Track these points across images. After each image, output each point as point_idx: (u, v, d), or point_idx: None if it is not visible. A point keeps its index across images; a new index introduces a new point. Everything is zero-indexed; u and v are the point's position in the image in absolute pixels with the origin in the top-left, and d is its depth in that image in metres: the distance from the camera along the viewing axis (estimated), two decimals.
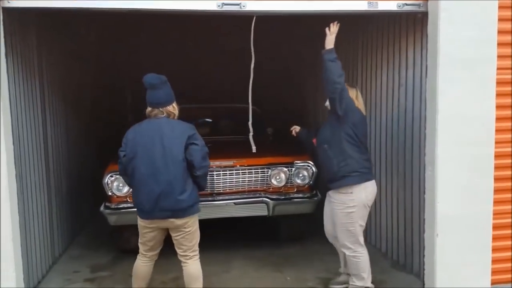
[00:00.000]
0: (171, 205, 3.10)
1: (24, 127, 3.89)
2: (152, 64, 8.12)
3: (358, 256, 3.52)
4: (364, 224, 3.52)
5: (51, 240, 4.53)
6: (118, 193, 4.35)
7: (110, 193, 4.35)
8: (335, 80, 3.32)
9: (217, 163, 4.44)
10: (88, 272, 4.39)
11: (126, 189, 4.33)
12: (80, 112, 5.84)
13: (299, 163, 4.58)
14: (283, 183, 4.56)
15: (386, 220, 4.56)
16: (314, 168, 4.58)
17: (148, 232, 3.28)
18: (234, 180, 4.47)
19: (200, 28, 7.48)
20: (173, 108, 3.18)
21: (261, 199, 4.44)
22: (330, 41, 3.37)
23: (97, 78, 6.88)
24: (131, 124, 3.36)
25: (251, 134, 3.87)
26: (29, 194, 3.93)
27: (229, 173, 4.46)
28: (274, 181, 4.54)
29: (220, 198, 4.42)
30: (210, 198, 4.40)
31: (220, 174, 4.44)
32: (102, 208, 4.34)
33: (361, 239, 3.51)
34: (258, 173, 4.51)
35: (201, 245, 5.04)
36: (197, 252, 3.38)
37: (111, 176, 4.33)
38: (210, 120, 6.18)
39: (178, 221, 3.18)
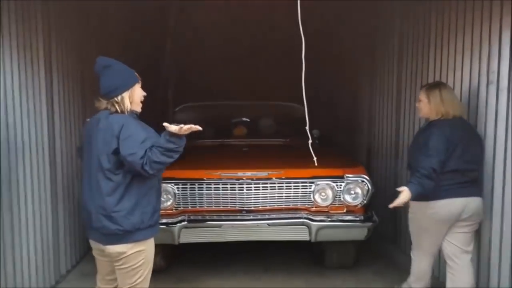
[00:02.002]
0: (100, 227, 2.44)
1: (19, 112, 3.28)
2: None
3: (414, 259, 3.33)
4: (431, 239, 3.17)
5: (56, 254, 3.90)
6: None
7: None
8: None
9: (249, 173, 3.63)
10: None
11: None
12: None
13: (350, 177, 3.67)
14: (329, 202, 3.66)
15: None
16: (369, 185, 3.66)
17: (95, 255, 2.62)
18: (268, 195, 3.63)
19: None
20: (121, 99, 2.46)
21: (301, 220, 3.59)
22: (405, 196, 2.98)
23: (126, 47, 6.09)
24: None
25: (310, 141, 3.05)
26: (21, 200, 3.33)
27: (262, 186, 3.62)
28: (318, 199, 3.66)
29: (251, 217, 3.60)
30: (238, 216, 3.60)
31: (251, 187, 3.61)
32: None
33: (425, 252, 3.23)
34: (299, 188, 3.64)
35: (227, 266, 4.36)
36: None
37: None
38: (248, 120, 5.38)
39: (110, 249, 2.45)
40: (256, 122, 5.30)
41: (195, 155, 4.28)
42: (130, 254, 2.45)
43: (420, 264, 3.29)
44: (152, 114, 6.71)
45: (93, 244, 2.56)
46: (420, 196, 2.97)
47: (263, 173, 3.64)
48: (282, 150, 4.58)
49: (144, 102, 2.64)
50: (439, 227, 3.11)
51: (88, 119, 2.67)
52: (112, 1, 5.17)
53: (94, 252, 2.61)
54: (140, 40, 6.93)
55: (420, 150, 3.08)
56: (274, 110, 5.29)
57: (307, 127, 3.02)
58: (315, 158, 3.15)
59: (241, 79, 7.98)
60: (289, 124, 5.03)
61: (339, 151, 4.65)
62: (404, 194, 2.93)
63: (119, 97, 2.46)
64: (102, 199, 2.40)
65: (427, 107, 3.20)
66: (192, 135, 5.25)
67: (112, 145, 2.37)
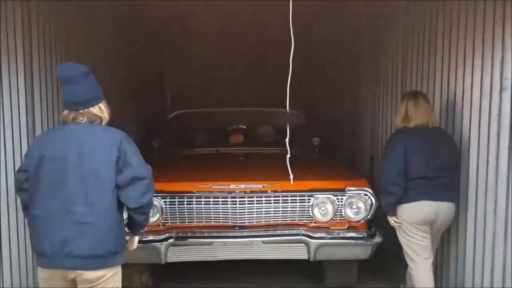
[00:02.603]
0: (84, 250, 2.17)
1: None
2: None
3: (411, 270, 3.25)
4: (410, 242, 3.20)
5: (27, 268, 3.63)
6: None
7: None
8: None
9: (242, 186, 3.36)
10: None
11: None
12: None
13: (352, 190, 3.40)
14: (329, 217, 3.39)
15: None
16: (373, 198, 3.39)
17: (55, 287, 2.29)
18: (263, 210, 3.36)
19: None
20: (100, 110, 2.32)
21: (299, 237, 3.31)
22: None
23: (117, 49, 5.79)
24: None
25: (288, 156, 2.82)
26: None
27: (257, 200, 3.35)
28: (317, 214, 3.39)
29: (245, 233, 3.32)
30: (231, 233, 3.32)
31: (245, 201, 3.34)
32: None
33: (414, 256, 3.19)
34: (296, 202, 3.37)
35: (220, 284, 4.05)
36: None
37: None
38: (244, 127, 5.11)
39: (90, 274, 2.19)
40: (254, 129, 5.04)
41: (186, 165, 4.04)
42: (109, 277, 2.25)
43: (418, 275, 3.21)
44: (149, 120, 6.52)
45: (59, 273, 2.21)
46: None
47: (257, 186, 3.37)
48: (280, 160, 4.30)
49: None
50: (415, 228, 3.14)
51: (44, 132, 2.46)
52: (104, 2, 4.95)
53: (54, 284, 2.25)
54: (134, 42, 6.71)
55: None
56: (272, 117, 5.03)
57: (287, 140, 2.82)
58: (291, 176, 2.94)
59: (242, 85, 7.77)
60: (290, 131, 4.77)
61: (340, 161, 4.37)
62: None
63: (97, 107, 2.29)
64: (95, 218, 2.18)
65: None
66: (185, 143, 4.96)
67: (113, 155, 2.21)
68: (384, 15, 5.08)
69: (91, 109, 2.27)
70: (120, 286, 2.36)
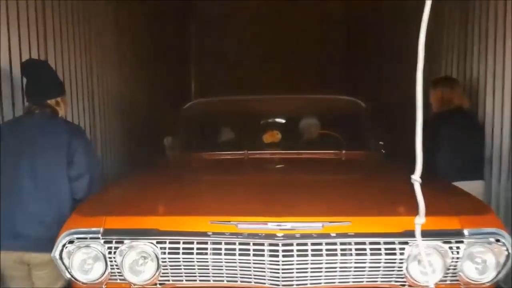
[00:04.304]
0: (35, 232, 2.39)
1: None
2: None
3: None
4: None
5: None
6: (83, 277, 2.12)
7: (68, 276, 2.12)
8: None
9: (288, 225, 2.01)
10: None
11: (99, 269, 2.10)
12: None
13: (475, 232, 2.01)
14: (437, 278, 2.02)
15: None
16: (509, 246, 2.00)
17: (13, 271, 2.50)
18: (324, 267, 2.00)
19: None
20: (56, 103, 2.53)
21: None
22: None
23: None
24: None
25: (415, 178, 1.54)
26: None
27: (312, 249, 2.00)
28: (415, 272, 2.01)
29: None
30: None
31: (292, 251, 1.99)
32: None
33: None
34: (380, 253, 2.01)
35: None
36: None
37: (71, 242, 2.09)
38: (283, 121, 3.80)
39: (42, 257, 2.39)
40: (297, 124, 3.70)
41: (198, 183, 2.75)
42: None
43: None
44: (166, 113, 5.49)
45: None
46: None
47: (314, 225, 2.02)
48: (340, 173, 2.93)
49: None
50: None
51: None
52: None
53: (12, 267, 2.45)
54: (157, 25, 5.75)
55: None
56: (323, 107, 3.66)
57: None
58: (420, 220, 1.57)
59: (278, 73, 6.77)
60: (347, 128, 3.42)
61: (434, 178, 2.89)
62: None
63: (54, 101, 2.52)
64: (44, 209, 2.41)
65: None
66: (202, 143, 3.75)
67: (64, 148, 2.40)
68: None
69: (48, 102, 2.48)
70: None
